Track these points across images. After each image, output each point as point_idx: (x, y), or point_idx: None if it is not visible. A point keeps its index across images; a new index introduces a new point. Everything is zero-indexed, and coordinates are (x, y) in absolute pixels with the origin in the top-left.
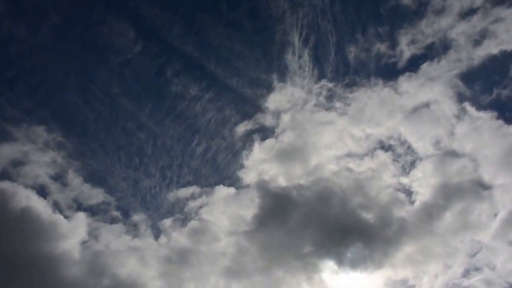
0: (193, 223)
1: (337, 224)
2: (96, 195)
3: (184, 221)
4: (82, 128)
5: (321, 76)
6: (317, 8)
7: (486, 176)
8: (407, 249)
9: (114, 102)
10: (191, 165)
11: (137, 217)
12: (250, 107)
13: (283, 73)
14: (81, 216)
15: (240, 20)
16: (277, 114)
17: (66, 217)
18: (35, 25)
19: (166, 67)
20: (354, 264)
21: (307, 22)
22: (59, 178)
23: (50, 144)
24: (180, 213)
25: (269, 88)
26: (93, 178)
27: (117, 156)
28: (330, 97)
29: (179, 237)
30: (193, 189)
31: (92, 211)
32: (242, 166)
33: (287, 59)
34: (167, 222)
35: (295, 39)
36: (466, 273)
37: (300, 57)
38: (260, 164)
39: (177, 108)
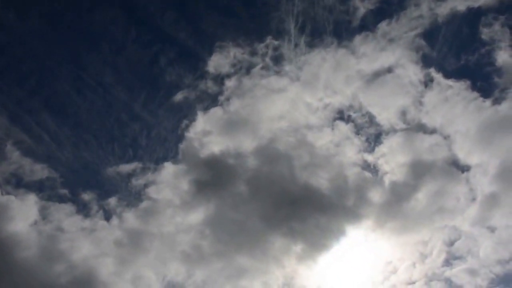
0: (145, 203)
1: (298, 206)
2: (40, 171)
3: (134, 200)
4: (74, 118)
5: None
6: None
7: (461, 154)
8: (380, 235)
9: (107, 91)
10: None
11: (87, 196)
12: None
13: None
14: (27, 194)
15: (235, 7)
16: (220, 79)
17: (10, 194)
18: (24, 11)
19: (160, 55)
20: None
21: (303, 9)
22: None
23: None
24: (128, 192)
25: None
26: (34, 153)
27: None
28: (278, 58)
29: (131, 218)
30: (135, 165)
31: (35, 187)
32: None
33: (283, 47)
34: (112, 201)
35: (291, 26)
36: (447, 263)
37: (296, 45)
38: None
39: (171, 98)
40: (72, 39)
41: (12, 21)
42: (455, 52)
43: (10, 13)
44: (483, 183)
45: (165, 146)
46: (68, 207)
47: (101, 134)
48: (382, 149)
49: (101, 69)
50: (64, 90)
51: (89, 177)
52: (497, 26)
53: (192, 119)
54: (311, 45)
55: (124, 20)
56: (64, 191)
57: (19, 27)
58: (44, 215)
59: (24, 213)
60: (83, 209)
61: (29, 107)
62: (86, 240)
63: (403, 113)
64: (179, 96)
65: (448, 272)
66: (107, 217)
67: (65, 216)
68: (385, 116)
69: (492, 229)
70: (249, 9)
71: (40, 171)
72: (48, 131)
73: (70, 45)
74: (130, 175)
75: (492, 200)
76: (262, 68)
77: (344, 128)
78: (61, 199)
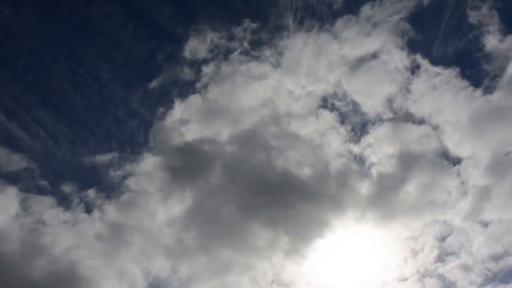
0: (126, 196)
1: (284, 199)
2: (18, 161)
3: (114, 192)
4: (72, 114)
5: None
6: None
7: (451, 146)
8: (369, 230)
9: (105, 87)
10: None
11: (67, 187)
12: None
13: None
14: (6, 185)
15: (232, 2)
16: (197, 65)
17: None
18: (21, 6)
19: (157, 51)
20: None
21: (302, 4)
22: None
23: None
24: (107, 184)
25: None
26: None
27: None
28: (257, 42)
29: (112, 211)
30: (112, 155)
31: (14, 179)
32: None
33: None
34: (91, 192)
35: (290, 21)
36: (440, 259)
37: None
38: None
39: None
40: (69, 34)
41: (8, 16)
42: (442, 37)
43: (6, 8)
44: (475, 176)
45: (142, 135)
46: (49, 199)
47: (98, 130)
48: (368, 139)
49: (98, 64)
50: (60, 86)
51: (67, 168)
52: (485, 9)
53: (169, 107)
54: (290, 28)
55: (121, 15)
56: (44, 183)
57: (15, 22)
58: (25, 207)
59: (5, 206)
60: (64, 201)
61: (25, 102)
62: (68, 233)
63: (390, 102)
64: (154, 83)
65: (441, 268)
66: (88, 209)
67: (46, 208)
68: (371, 104)
69: (484, 224)
70: (246, 4)
71: (18, 161)
72: (44, 127)
73: (67, 40)
74: (108, 166)
75: (484, 194)
76: (241, 53)
77: (328, 117)
78: (41, 191)
